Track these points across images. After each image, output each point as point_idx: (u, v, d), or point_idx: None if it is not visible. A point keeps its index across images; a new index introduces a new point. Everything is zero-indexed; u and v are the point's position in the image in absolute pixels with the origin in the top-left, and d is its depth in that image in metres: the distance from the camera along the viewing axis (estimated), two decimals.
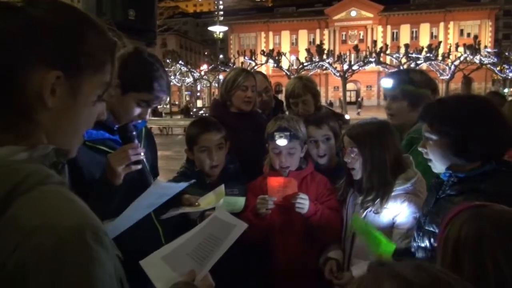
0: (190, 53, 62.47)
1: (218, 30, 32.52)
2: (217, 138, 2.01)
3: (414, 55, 29.27)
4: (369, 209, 1.81)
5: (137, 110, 1.55)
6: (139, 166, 1.46)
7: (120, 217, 1.29)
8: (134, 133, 1.48)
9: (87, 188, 1.40)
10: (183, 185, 1.56)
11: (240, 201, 1.92)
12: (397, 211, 1.78)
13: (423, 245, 1.50)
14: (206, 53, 52.56)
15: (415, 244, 1.57)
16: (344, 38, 51.98)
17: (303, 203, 1.84)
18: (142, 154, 1.47)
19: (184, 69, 34.56)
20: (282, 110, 2.98)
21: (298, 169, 2.04)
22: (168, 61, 33.86)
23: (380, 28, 50.81)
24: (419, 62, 27.94)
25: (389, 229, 1.81)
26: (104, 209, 1.41)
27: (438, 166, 1.48)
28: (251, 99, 2.44)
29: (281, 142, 1.94)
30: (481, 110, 1.42)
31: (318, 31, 52.51)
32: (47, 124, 0.71)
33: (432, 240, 1.44)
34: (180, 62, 34.15)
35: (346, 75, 29.77)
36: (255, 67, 27.90)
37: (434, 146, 1.45)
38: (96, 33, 0.74)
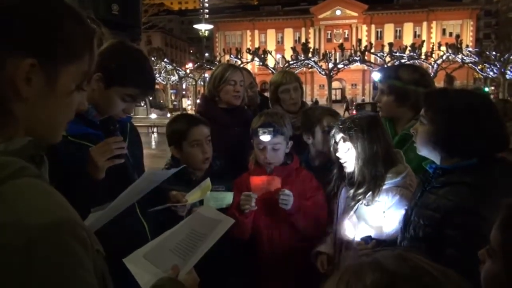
0: (175, 51, 61.91)
1: (203, 28, 32.29)
2: (206, 130, 2.02)
3: (398, 54, 29.65)
4: (360, 201, 1.84)
5: (122, 105, 1.52)
6: (122, 160, 1.44)
7: (110, 206, 1.26)
8: (118, 126, 1.45)
9: (68, 183, 1.37)
10: (171, 171, 1.54)
11: (228, 196, 1.92)
12: (388, 204, 1.81)
13: (408, 235, 1.52)
14: (191, 51, 52.11)
15: (401, 235, 1.59)
16: (329, 37, 52.23)
17: (287, 199, 1.85)
18: (125, 148, 1.45)
19: (169, 67, 34.28)
20: (268, 106, 2.99)
21: (283, 165, 2.05)
22: (153, 58, 33.52)
23: (364, 27, 51.22)
24: (402, 60, 28.29)
25: (380, 223, 1.84)
26: (86, 204, 1.39)
27: (420, 150, 1.51)
28: (240, 93, 2.45)
29: (265, 137, 1.94)
30: (476, 108, 1.40)
31: (303, 29, 52.65)
32: (24, 115, 0.68)
33: (419, 232, 1.46)
34: (165, 60, 33.85)
35: (331, 74, 29.97)
36: (241, 66, 27.81)
37: (421, 131, 1.48)
38: (73, 20, 0.72)
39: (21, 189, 0.61)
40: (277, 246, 1.99)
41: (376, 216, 1.84)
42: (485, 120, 1.39)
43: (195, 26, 33.54)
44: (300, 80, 2.84)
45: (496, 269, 0.89)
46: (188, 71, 36.79)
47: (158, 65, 33.49)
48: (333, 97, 37.65)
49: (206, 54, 37.08)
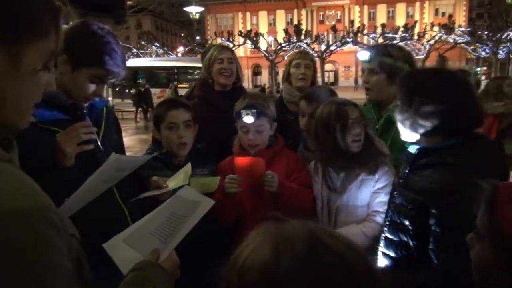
0: (166, 35, 61.05)
1: (194, 10, 31.84)
2: (185, 115, 1.97)
3: (390, 35, 29.46)
4: (354, 184, 1.83)
5: (91, 87, 1.47)
6: (91, 146, 1.40)
7: (77, 192, 1.23)
8: (86, 111, 1.40)
9: (38, 170, 1.33)
10: (145, 158, 1.50)
11: (214, 181, 1.90)
12: (379, 184, 1.84)
13: (392, 219, 1.51)
14: (182, 34, 51.42)
15: (387, 218, 1.58)
16: (321, 18, 51.69)
17: (272, 181, 1.82)
18: (94, 133, 1.40)
19: (160, 51, 33.81)
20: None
21: (268, 148, 2.02)
22: (143, 42, 33.05)
23: (357, 8, 50.69)
24: (395, 41, 28.14)
25: (367, 204, 1.85)
26: (55, 192, 1.35)
27: (402, 132, 1.50)
28: (227, 71, 2.45)
29: (248, 119, 1.90)
30: (450, 84, 1.40)
31: (295, 11, 52.01)
32: None
33: (403, 215, 1.45)
34: (156, 44, 33.38)
35: (324, 56, 29.75)
36: (233, 49, 27.54)
37: (400, 111, 1.45)
38: None
39: None
40: None
41: (365, 196, 1.85)
42: (461, 97, 1.38)
43: (186, 8, 33.02)
44: (315, 62, 2.85)
45: (486, 253, 0.87)
46: (179, 55, 36.34)
47: (149, 49, 33.04)
48: (326, 80, 37.51)
49: (198, 38, 36.60)
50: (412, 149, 1.47)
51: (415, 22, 34.43)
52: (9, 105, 0.68)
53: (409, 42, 29.28)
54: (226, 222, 1.99)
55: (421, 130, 1.40)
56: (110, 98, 19.09)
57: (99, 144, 1.52)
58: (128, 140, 11.28)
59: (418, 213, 1.37)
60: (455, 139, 1.37)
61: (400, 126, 1.48)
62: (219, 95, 2.49)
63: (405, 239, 1.43)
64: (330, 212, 1.95)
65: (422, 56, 28.41)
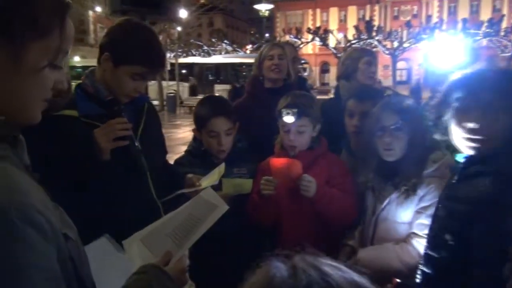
0: (236, 32, 62.21)
1: (263, 8, 32.05)
2: (226, 124, 1.93)
3: (472, 31, 27.22)
4: (395, 195, 1.69)
5: (132, 84, 1.50)
6: (126, 142, 1.43)
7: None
8: (122, 107, 1.44)
9: (76, 164, 1.39)
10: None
11: (248, 183, 1.87)
12: (422, 201, 1.66)
13: (438, 234, 1.35)
14: (252, 32, 52.08)
15: (430, 234, 1.43)
16: (396, 14, 49.23)
17: (308, 186, 1.74)
18: (130, 129, 1.43)
19: (229, 48, 34.55)
20: (304, 89, 2.86)
21: (310, 149, 1.93)
22: (213, 40, 33.97)
23: (436, 2, 47.51)
24: (477, 38, 25.98)
25: (408, 222, 1.69)
26: (90, 186, 1.40)
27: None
28: (278, 67, 2.44)
29: (288, 119, 1.83)
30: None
31: (368, 7, 50.11)
32: None
33: (446, 229, 1.30)
34: (225, 41, 34.14)
35: (396, 53, 28.36)
36: (301, 46, 27.28)
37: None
38: None
39: None
40: (301, 233, 1.89)
41: (407, 213, 1.68)
42: None
43: (255, 6, 33.36)
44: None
45: None
46: (248, 52, 36.83)
47: (219, 47, 33.87)
48: (398, 78, 35.76)
49: (267, 35, 36.79)
50: (460, 157, 1.31)
51: (502, 16, 31.48)
52: (12, 102, 0.69)
53: (493, 38, 26.88)
54: (263, 224, 1.95)
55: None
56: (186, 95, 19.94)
57: (136, 140, 1.55)
58: None
59: (464, 226, 1.22)
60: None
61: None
62: (268, 92, 2.48)
63: (447, 255, 1.29)
64: (375, 223, 1.82)
65: (508, 54, 25.94)
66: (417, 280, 1.40)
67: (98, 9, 23.76)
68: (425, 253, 1.39)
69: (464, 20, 29.07)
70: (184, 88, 20.38)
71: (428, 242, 1.39)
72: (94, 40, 29.75)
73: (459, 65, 1.95)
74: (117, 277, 0.98)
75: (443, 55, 2.08)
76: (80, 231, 0.81)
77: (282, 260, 0.54)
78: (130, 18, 1.60)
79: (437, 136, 1.38)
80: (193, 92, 20.86)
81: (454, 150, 1.42)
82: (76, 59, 22.32)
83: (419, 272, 1.42)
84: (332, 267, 0.52)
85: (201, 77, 21.79)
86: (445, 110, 1.29)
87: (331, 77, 44.86)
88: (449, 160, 1.66)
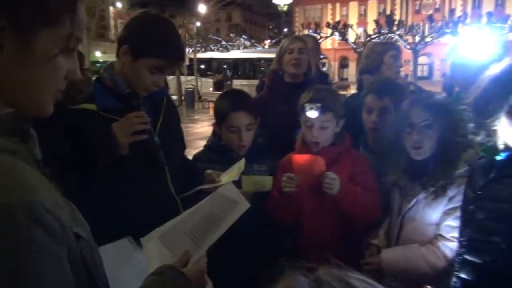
0: (254, 27, 62.09)
1: (282, 2, 31.83)
2: (246, 118, 1.87)
3: (498, 25, 26.39)
4: (423, 195, 1.62)
5: (151, 78, 1.47)
6: (145, 136, 1.39)
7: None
8: (141, 100, 1.40)
9: (95, 158, 1.36)
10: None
11: (268, 180, 1.82)
12: (451, 195, 1.59)
13: (478, 238, 1.28)
14: (270, 27, 51.86)
15: (461, 238, 1.36)
16: (417, 8, 48.17)
17: (332, 183, 1.67)
18: (148, 123, 1.39)
19: (247, 43, 34.49)
20: (328, 85, 2.80)
21: (333, 145, 1.87)
22: (232, 35, 33.97)
23: None
24: (503, 32, 25.15)
25: (436, 223, 1.61)
26: (107, 181, 1.37)
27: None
28: (298, 61, 2.39)
29: (312, 114, 1.77)
30: None
31: (389, 0, 49.26)
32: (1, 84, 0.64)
33: (486, 232, 1.22)
34: (244, 36, 34.09)
35: (417, 48, 27.77)
36: (320, 40, 27.06)
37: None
38: None
39: None
40: (323, 231, 1.84)
41: (435, 214, 1.61)
42: None
43: (274, 0, 33.16)
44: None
45: None
46: (266, 47, 36.68)
47: (237, 42, 33.85)
48: (419, 73, 35.08)
49: (285, 30, 36.56)
50: (500, 156, 1.22)
51: None
52: (22, 94, 0.66)
53: None
54: (284, 222, 1.90)
55: None
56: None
57: (155, 135, 1.52)
58: None
59: (508, 226, 1.15)
60: None
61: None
62: (288, 87, 2.43)
63: (495, 259, 1.21)
64: (400, 222, 1.75)
65: None
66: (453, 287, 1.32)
67: (119, 4, 24.06)
68: (462, 258, 1.31)
69: (489, 14, 28.21)
70: (202, 83, 20.40)
71: (464, 246, 1.31)
72: (115, 35, 30.06)
73: (492, 58, 1.83)
74: (135, 277, 0.95)
75: (472, 49, 1.96)
76: (97, 228, 0.78)
77: (304, 274, 0.50)
78: (148, 11, 1.57)
79: (479, 139, 1.28)
80: (218, 87, 20.83)
81: (485, 149, 1.33)
82: (97, 55, 22.68)
83: (454, 279, 1.34)
84: (360, 281, 0.49)
85: (220, 72, 21.82)
86: (494, 109, 1.19)
87: (350, 72, 44.30)
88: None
